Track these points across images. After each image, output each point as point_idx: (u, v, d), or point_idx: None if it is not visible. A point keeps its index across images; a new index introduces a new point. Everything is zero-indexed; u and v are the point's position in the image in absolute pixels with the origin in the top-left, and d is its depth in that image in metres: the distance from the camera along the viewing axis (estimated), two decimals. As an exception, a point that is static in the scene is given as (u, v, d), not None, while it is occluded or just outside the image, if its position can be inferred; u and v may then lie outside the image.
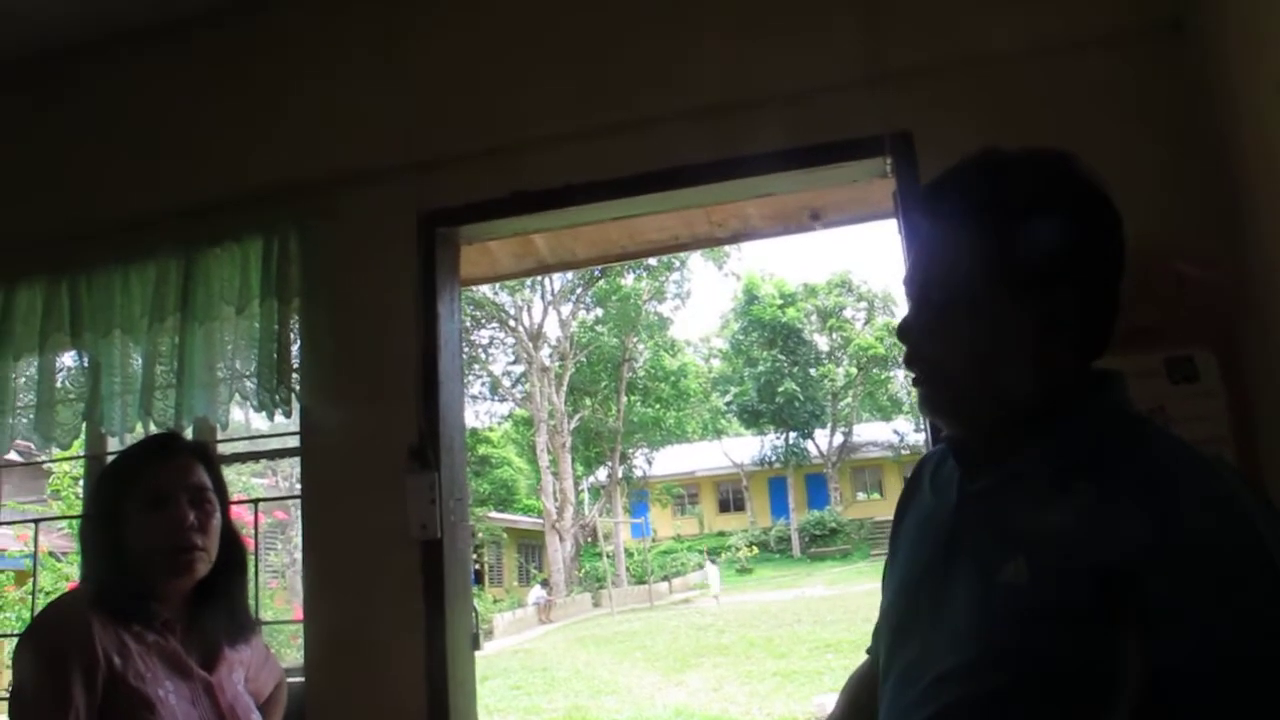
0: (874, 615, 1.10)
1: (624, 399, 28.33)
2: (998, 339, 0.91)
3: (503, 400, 29.84)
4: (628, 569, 26.65)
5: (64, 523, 5.18)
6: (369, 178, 2.45)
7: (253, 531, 2.68)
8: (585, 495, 29.57)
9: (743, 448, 32.62)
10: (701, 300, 63.51)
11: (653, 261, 24.49)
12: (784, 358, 30.69)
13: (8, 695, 1.43)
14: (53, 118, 2.82)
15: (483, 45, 2.46)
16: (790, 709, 9.11)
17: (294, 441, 2.47)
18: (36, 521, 3.30)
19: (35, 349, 2.59)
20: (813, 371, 31.30)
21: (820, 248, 67.34)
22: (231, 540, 1.65)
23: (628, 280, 26.63)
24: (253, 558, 1.91)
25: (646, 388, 29.55)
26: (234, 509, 1.73)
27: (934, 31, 2.11)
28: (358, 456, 2.35)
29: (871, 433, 32.25)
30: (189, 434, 2.39)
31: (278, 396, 2.35)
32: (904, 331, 0.98)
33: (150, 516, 1.53)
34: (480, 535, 24.20)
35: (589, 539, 27.44)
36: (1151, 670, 0.75)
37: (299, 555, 2.46)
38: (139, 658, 1.45)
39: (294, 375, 2.38)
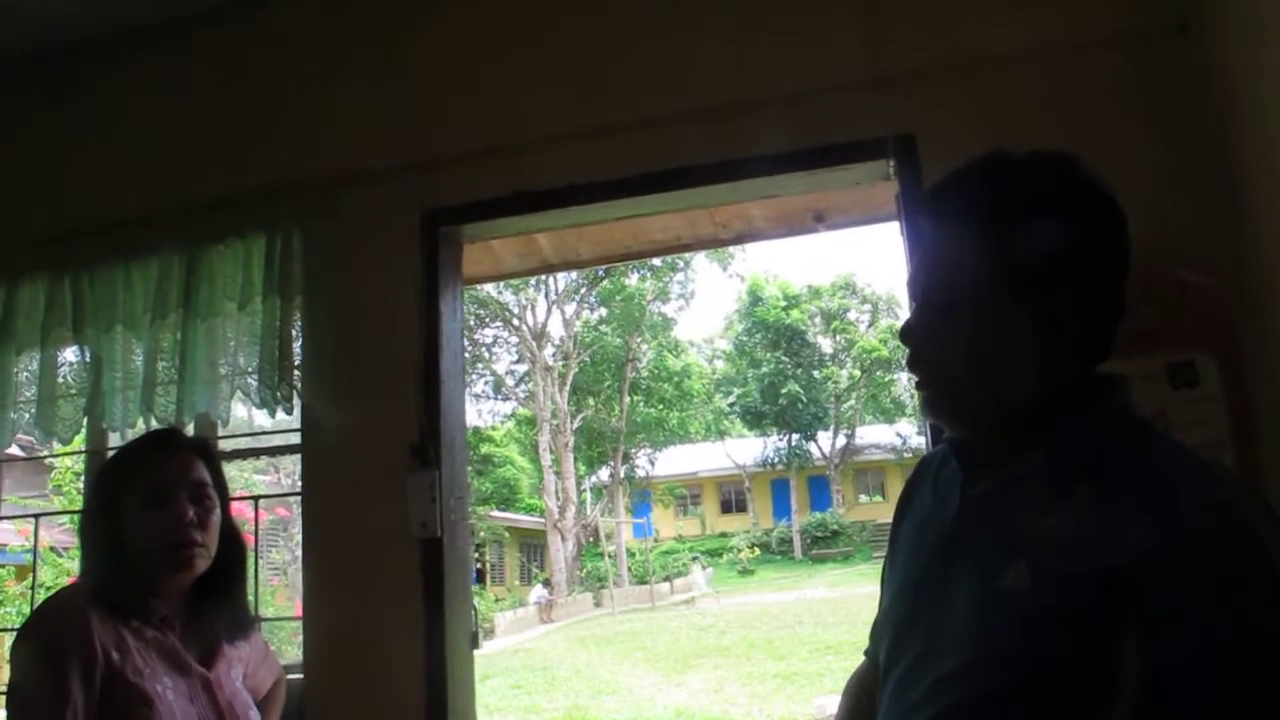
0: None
1: (627, 399, 28.31)
2: (998, 340, 0.92)
3: (506, 399, 29.90)
4: (629, 569, 26.63)
5: (65, 518, 5.19)
6: (370, 177, 2.45)
7: (253, 528, 2.69)
8: (588, 495, 29.53)
9: (745, 449, 32.57)
10: (705, 301, 63.71)
11: (657, 262, 24.44)
12: (787, 359, 30.66)
13: (6, 690, 1.43)
14: (54, 115, 2.83)
15: (483, 45, 2.46)
16: (791, 710, 9.09)
17: (295, 438, 2.47)
18: (37, 516, 3.31)
19: (37, 344, 2.59)
20: (816, 373, 31.25)
21: (825, 250, 67.03)
22: (231, 537, 1.65)
23: (632, 280, 26.62)
24: (253, 554, 1.92)
25: (650, 388, 29.54)
26: (234, 505, 1.73)
27: (935, 33, 2.11)
28: (358, 454, 2.35)
29: (874, 435, 32.19)
30: (190, 430, 2.40)
31: (279, 393, 2.35)
32: (907, 333, 0.98)
33: (150, 512, 1.53)
34: (482, 534, 24.21)
35: (591, 539, 27.42)
36: (1151, 671, 0.75)
37: (300, 552, 2.46)
38: (137, 653, 1.45)
39: (296, 372, 2.38)
